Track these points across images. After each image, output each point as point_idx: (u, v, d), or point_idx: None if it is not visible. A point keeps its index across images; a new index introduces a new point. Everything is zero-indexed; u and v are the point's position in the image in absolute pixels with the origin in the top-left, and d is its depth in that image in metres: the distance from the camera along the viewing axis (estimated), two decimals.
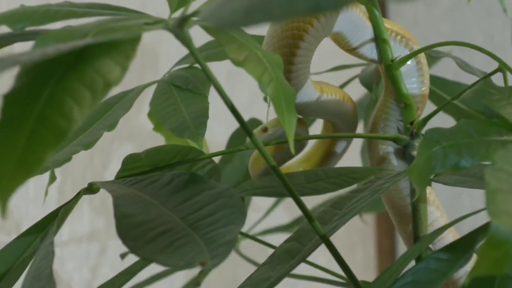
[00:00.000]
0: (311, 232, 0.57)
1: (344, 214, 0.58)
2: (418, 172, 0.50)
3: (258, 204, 1.23)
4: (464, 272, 0.66)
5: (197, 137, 0.66)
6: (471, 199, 1.59)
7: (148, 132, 0.83)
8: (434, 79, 0.81)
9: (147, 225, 0.46)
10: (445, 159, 0.50)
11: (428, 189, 0.66)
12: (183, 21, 0.45)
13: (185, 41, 0.46)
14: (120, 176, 0.62)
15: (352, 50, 0.66)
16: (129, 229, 0.46)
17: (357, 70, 0.86)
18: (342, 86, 0.91)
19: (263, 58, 0.46)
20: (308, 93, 0.66)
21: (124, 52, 0.41)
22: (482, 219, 0.51)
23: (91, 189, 0.58)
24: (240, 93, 1.31)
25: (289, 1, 0.34)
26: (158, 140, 0.83)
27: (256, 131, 0.66)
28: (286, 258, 0.57)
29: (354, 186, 0.62)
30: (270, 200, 1.14)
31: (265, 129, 0.65)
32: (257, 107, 0.98)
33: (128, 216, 0.47)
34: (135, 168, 0.62)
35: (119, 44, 0.41)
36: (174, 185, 0.50)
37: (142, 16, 0.48)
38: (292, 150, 0.49)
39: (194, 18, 0.45)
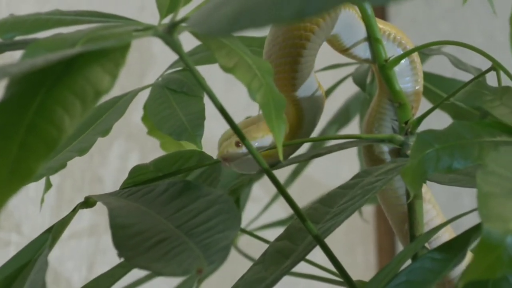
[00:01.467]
0: (303, 231, 0.57)
1: (336, 213, 0.57)
2: (412, 174, 0.50)
3: (258, 196, 1.23)
4: (460, 271, 0.66)
5: (195, 138, 0.66)
6: (471, 199, 1.58)
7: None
8: (430, 76, 0.81)
9: (143, 235, 0.46)
10: (438, 162, 0.50)
11: (424, 188, 0.66)
12: (173, 28, 0.45)
13: (175, 47, 0.46)
14: (125, 185, 0.62)
15: (345, 51, 0.66)
16: (125, 240, 0.46)
17: (351, 69, 0.86)
18: (336, 85, 0.92)
19: (253, 65, 0.46)
20: (313, 89, 0.65)
21: (114, 60, 0.41)
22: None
23: (88, 203, 0.58)
24: (239, 94, 1.31)
25: (275, 8, 0.34)
26: (157, 140, 0.83)
27: (227, 143, 0.64)
28: (279, 257, 0.56)
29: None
30: (269, 194, 1.14)
31: (237, 144, 0.63)
32: (256, 107, 0.98)
33: (124, 227, 0.47)
34: (141, 175, 0.62)
35: (108, 52, 0.41)
36: (169, 194, 0.50)
37: (131, 22, 0.48)
38: (281, 157, 0.48)
39: (183, 24, 0.45)
